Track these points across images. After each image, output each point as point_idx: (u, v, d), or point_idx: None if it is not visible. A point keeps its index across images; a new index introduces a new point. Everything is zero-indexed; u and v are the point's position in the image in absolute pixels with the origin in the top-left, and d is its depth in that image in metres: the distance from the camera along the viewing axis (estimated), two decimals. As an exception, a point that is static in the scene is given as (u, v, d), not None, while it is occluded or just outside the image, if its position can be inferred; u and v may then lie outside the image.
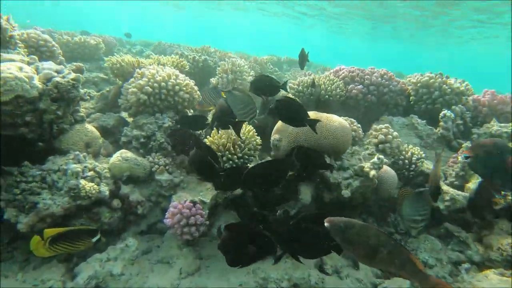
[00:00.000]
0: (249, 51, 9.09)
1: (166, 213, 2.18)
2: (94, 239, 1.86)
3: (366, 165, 2.31)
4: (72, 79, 2.29)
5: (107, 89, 3.30)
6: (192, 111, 3.02)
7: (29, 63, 2.39)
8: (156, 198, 2.48)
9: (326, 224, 1.29)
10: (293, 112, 2.08)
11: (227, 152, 2.36)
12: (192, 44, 7.72)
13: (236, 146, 2.37)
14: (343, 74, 3.45)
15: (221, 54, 4.67)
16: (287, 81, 3.15)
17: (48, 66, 2.35)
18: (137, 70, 2.79)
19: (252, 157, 2.48)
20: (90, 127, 2.50)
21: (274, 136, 2.44)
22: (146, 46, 7.79)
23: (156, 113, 2.71)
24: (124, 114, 3.11)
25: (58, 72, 2.36)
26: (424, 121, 3.23)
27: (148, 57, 5.53)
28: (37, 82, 2.18)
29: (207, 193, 2.38)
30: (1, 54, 2.26)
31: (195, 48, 4.86)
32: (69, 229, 1.84)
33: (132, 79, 2.81)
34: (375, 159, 2.31)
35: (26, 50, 2.61)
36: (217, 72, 3.95)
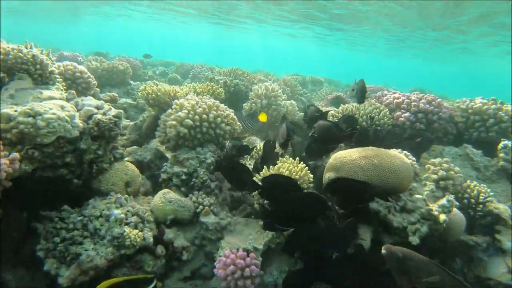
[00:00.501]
0: (265, 69, 8.97)
1: (217, 263, 1.99)
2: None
3: (434, 208, 2.10)
4: (114, 116, 2.15)
5: (140, 119, 3.16)
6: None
7: (68, 99, 2.27)
8: (200, 242, 2.29)
9: (383, 250, 1.25)
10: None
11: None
12: (209, 63, 7.67)
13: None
14: (387, 101, 3.26)
15: (250, 77, 4.53)
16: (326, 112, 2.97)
17: (88, 102, 2.22)
18: (176, 101, 2.65)
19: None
20: (130, 165, 2.35)
21: (329, 174, 2.25)
22: (166, 66, 7.74)
23: (197, 146, 2.55)
24: (159, 146, 2.95)
25: (98, 108, 2.22)
26: (480, 151, 3.01)
27: (176, 80, 5.45)
28: (78, 120, 2.04)
29: (257, 237, 2.19)
30: (42, 91, 2.14)
31: (222, 71, 4.74)
32: (123, 279, 1.68)
33: (170, 111, 2.66)
34: (444, 202, 2.09)
35: (64, 84, 2.49)
36: (249, 97, 3.80)
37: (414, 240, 2.04)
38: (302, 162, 2.32)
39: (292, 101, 4.08)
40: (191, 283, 2.27)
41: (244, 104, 3.79)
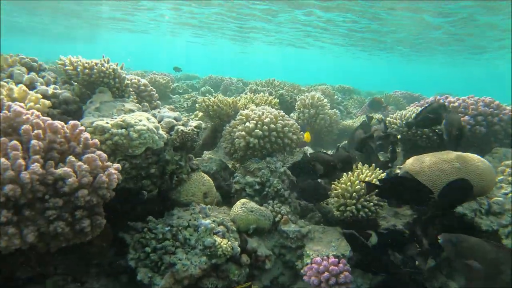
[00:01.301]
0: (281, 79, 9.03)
1: (307, 270, 1.98)
2: None
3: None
4: (196, 127, 2.18)
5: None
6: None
7: (144, 111, 2.30)
8: (279, 250, 2.28)
9: (439, 239, 1.33)
10: None
11: (359, 200, 2.17)
12: (231, 75, 7.75)
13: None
14: (442, 105, 3.26)
15: (289, 87, 4.57)
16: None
17: (167, 114, 2.26)
18: (241, 111, 2.68)
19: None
20: (205, 175, 2.37)
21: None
22: (188, 79, 7.83)
23: (266, 156, 2.56)
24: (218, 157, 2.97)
25: (176, 119, 2.26)
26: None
27: (210, 92, 5.50)
28: (162, 132, 2.07)
29: (339, 244, 2.18)
30: (123, 104, 2.18)
31: (259, 82, 4.79)
32: None
33: (235, 121, 2.69)
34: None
35: (135, 96, 2.54)
36: (296, 107, 3.83)
37: (509, 243, 2.02)
38: (378, 169, 2.32)
39: (335, 110, 4.10)
40: (270, 293, 2.26)
41: (291, 114, 3.82)
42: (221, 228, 2.06)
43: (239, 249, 2.06)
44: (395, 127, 3.05)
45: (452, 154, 2.21)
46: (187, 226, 2.02)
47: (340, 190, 2.22)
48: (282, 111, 2.70)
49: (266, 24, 11.64)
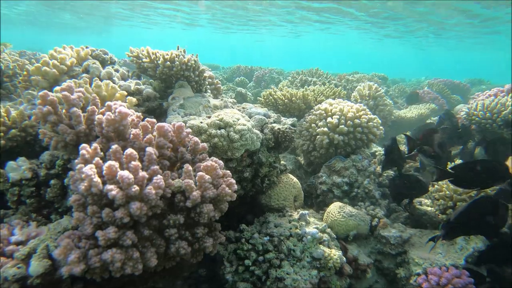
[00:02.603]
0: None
1: (420, 281, 1.79)
2: None
3: None
4: (292, 125, 1.96)
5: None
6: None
7: (225, 107, 2.09)
8: (375, 257, 2.09)
9: None
10: None
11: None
12: (251, 64, 7.47)
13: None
14: (518, 95, 3.03)
15: (335, 77, 4.33)
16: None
17: (255, 110, 2.04)
18: (319, 106, 2.46)
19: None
20: (293, 177, 2.15)
21: None
22: (213, 69, 7.57)
23: (351, 154, 2.35)
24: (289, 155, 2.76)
25: (265, 115, 2.03)
26: None
27: (244, 83, 5.26)
28: (257, 131, 1.85)
29: (446, 250, 1.98)
30: (208, 100, 1.95)
31: (302, 71, 4.54)
32: None
33: (312, 117, 2.47)
34: None
35: (209, 91, 2.31)
36: (352, 98, 3.59)
37: None
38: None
39: (389, 100, 3.87)
40: (364, 303, 2.08)
41: (347, 106, 3.59)
42: (326, 236, 1.87)
43: (345, 259, 1.86)
44: (477, 119, 2.81)
45: None
46: (290, 236, 1.83)
47: (447, 192, 2.01)
48: (362, 104, 2.48)
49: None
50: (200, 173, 1.29)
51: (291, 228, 1.85)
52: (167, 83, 2.01)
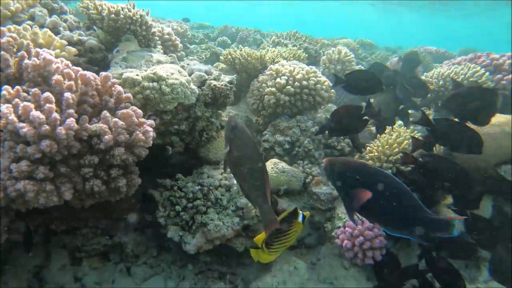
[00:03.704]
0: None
1: (340, 234, 1.96)
2: (300, 219, 1.47)
3: None
4: (229, 82, 2.04)
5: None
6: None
7: (172, 63, 2.16)
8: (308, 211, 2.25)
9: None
10: None
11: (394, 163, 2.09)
12: (240, 24, 7.35)
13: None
14: (484, 63, 3.05)
15: (312, 40, 4.32)
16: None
17: (198, 66, 2.11)
18: (271, 66, 2.52)
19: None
20: (235, 133, 2.27)
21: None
22: (200, 28, 7.46)
23: (297, 114, 2.45)
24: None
25: (207, 72, 2.12)
26: None
27: (226, 43, 5.25)
28: (193, 86, 1.94)
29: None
30: (152, 54, 2.03)
31: (281, 34, 4.53)
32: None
33: (264, 77, 2.54)
34: None
35: (161, 47, 2.37)
36: (321, 62, 3.63)
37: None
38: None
39: (360, 66, 3.90)
40: (296, 252, 2.27)
41: (316, 70, 3.63)
42: (253, 188, 2.01)
43: (270, 209, 2.02)
44: (431, 86, 2.87)
45: (504, 118, 2.08)
46: (219, 186, 1.97)
47: (376, 153, 2.13)
48: (314, 67, 2.54)
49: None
50: (115, 119, 1.41)
51: (221, 180, 1.99)
52: (114, 36, 2.07)
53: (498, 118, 2.08)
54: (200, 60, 4.23)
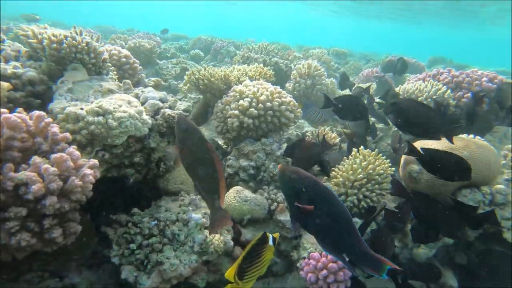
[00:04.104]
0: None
1: (304, 266, 1.87)
2: (271, 243, 1.43)
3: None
4: (184, 110, 1.95)
5: (189, 104, 2.93)
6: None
7: (124, 90, 2.05)
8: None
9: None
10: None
11: (361, 189, 2.02)
12: (219, 35, 7.28)
13: (373, 182, 2.03)
14: (446, 80, 3.04)
15: (283, 54, 4.26)
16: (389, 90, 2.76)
17: (152, 94, 2.01)
18: (234, 87, 2.43)
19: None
20: (195, 160, 2.17)
21: (412, 167, 2.09)
22: (176, 39, 7.35)
23: (261, 137, 2.36)
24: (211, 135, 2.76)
25: (162, 100, 2.01)
26: (548, 130, 2.85)
27: (199, 56, 5.15)
28: (146, 116, 1.84)
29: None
30: (101, 84, 1.92)
31: (252, 47, 4.45)
32: (242, 256, 1.40)
33: (227, 98, 2.45)
34: (542, 193, 1.96)
35: (115, 72, 2.26)
36: (292, 77, 3.57)
37: (510, 237, 1.93)
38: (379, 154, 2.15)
39: (332, 79, 3.85)
40: (263, 281, 2.18)
41: (286, 85, 3.57)
42: (212, 221, 1.91)
43: (232, 242, 1.93)
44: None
45: (460, 141, 2.04)
46: (176, 220, 1.87)
47: (341, 179, 2.06)
48: (278, 87, 2.46)
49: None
50: (45, 165, 1.29)
51: (179, 213, 1.89)
52: (61, 65, 1.95)
53: (457, 143, 2.03)
54: (171, 76, 4.12)
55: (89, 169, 1.42)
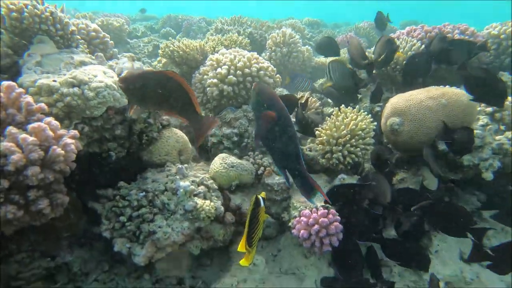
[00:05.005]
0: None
1: (296, 223, 1.90)
2: (262, 205, 1.46)
3: (504, 141, 2.06)
4: (163, 78, 1.89)
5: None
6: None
7: (99, 63, 1.97)
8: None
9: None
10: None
11: (345, 145, 2.06)
12: (186, 12, 7.08)
13: (357, 137, 2.06)
14: (419, 36, 3.08)
15: (258, 24, 4.20)
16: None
17: (126, 64, 1.95)
18: (211, 56, 2.39)
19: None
20: (178, 131, 2.14)
21: (393, 119, 2.14)
22: (145, 20, 7.09)
23: (243, 104, 2.35)
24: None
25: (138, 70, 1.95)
26: (517, 77, 2.96)
27: (171, 34, 5.00)
28: (123, 86, 1.77)
29: (324, 191, 2.10)
30: (72, 56, 1.83)
31: (225, 20, 4.36)
32: (247, 225, 1.43)
33: (205, 68, 2.40)
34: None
35: (86, 46, 2.16)
36: (267, 46, 3.53)
37: (489, 176, 2.01)
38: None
39: (307, 46, 3.84)
40: (257, 245, 2.21)
41: (262, 54, 3.53)
42: (201, 188, 1.90)
43: (222, 208, 1.93)
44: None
45: (436, 90, 2.10)
46: (164, 190, 1.84)
47: (325, 137, 2.08)
48: (255, 53, 2.44)
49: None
50: (22, 135, 1.24)
51: (166, 183, 1.87)
52: (25, 37, 1.84)
53: (434, 91, 2.09)
54: (144, 55, 4.00)
55: (71, 138, 1.37)
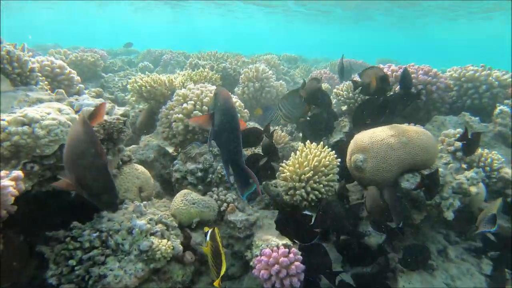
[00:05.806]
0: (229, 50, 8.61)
1: (257, 263, 1.84)
2: (208, 238, 1.54)
3: (463, 181, 2.08)
4: (122, 115, 1.88)
5: (132, 114, 2.85)
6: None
7: (57, 100, 1.95)
8: (227, 241, 2.13)
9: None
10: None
11: (308, 182, 2.05)
12: (172, 48, 7.20)
13: (320, 174, 2.06)
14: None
15: (233, 59, 4.28)
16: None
17: (86, 101, 1.93)
18: (178, 91, 2.40)
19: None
20: (139, 167, 2.10)
21: (357, 156, 2.15)
22: (127, 54, 7.18)
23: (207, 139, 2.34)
24: (157, 141, 2.69)
25: (97, 107, 1.93)
26: (477, 118, 3.06)
27: (148, 68, 5.05)
28: (79, 123, 1.75)
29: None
30: (28, 94, 1.81)
31: (201, 55, 4.44)
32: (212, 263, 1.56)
33: (172, 103, 2.41)
34: (473, 174, 2.09)
35: (47, 82, 2.15)
36: (240, 81, 3.58)
37: (449, 215, 2.02)
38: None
39: (281, 81, 3.91)
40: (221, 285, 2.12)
41: (235, 89, 3.58)
42: (159, 226, 1.84)
43: (181, 247, 1.86)
44: (342, 98, 2.93)
45: (398, 129, 2.14)
46: (119, 230, 1.78)
47: (288, 173, 2.07)
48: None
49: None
50: (-45, 178, 1.18)
51: (123, 222, 1.80)
52: (-20, 75, 1.82)
53: (395, 129, 2.13)
54: (117, 89, 4.00)
55: (10, 181, 1.32)
